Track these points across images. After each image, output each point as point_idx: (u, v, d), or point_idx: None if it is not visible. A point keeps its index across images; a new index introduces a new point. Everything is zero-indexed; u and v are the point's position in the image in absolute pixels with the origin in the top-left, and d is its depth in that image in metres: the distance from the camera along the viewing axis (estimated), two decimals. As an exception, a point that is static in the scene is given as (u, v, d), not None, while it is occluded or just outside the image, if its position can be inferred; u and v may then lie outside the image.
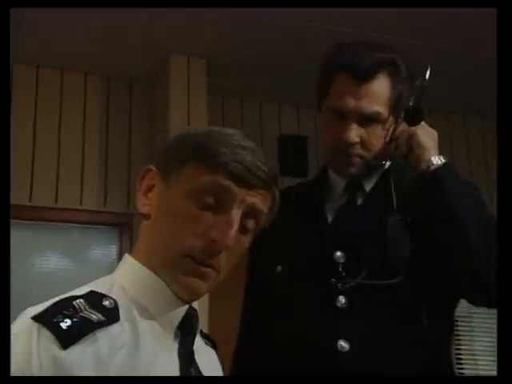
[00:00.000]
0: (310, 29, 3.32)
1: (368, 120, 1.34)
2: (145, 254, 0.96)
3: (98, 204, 3.68)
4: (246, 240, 0.97)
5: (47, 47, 3.54)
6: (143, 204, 0.99)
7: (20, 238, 3.51)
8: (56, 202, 3.60)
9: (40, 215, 3.56)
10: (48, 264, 3.61)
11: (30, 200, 3.55)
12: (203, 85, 3.68)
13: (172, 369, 0.91)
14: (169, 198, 0.96)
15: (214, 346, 1.10)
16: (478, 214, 1.25)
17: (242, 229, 0.94)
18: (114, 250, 3.71)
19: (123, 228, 3.70)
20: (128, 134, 3.85)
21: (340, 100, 1.35)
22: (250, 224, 0.96)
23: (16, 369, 0.80)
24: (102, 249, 3.73)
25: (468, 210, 1.24)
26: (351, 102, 1.33)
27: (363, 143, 1.35)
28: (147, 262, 0.95)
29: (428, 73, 1.35)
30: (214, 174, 0.92)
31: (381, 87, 1.34)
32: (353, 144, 1.34)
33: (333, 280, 1.29)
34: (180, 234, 0.92)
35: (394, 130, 1.37)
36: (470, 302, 1.31)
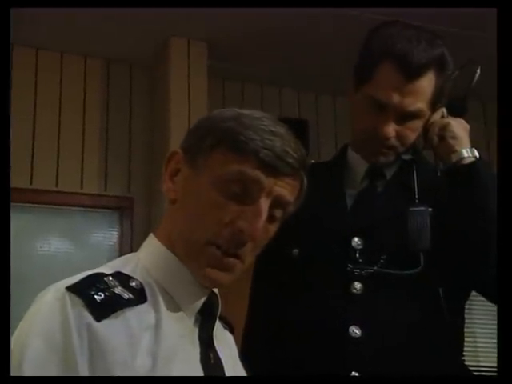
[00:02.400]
0: (310, 11, 3.29)
1: (408, 116, 1.32)
2: (169, 238, 0.95)
3: (98, 188, 3.68)
4: (273, 229, 0.95)
5: (47, 29, 3.52)
6: (168, 188, 0.97)
7: (21, 221, 3.51)
8: (57, 185, 3.60)
9: (41, 198, 3.56)
10: (49, 247, 3.62)
11: (30, 183, 3.55)
12: (204, 67, 3.66)
13: (192, 354, 0.91)
14: (195, 184, 0.93)
15: (231, 330, 1.09)
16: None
17: (270, 218, 0.92)
18: (114, 233, 3.71)
19: (124, 212, 3.70)
20: (128, 117, 3.83)
21: (384, 93, 1.30)
22: (278, 213, 0.94)
23: (53, 335, 0.80)
24: (103, 232, 3.74)
25: (494, 207, 1.20)
26: (395, 98, 1.29)
27: (399, 136, 1.33)
28: (171, 247, 0.94)
29: (478, 72, 1.33)
30: (242, 162, 0.90)
31: (427, 85, 1.30)
32: (389, 138, 1.32)
33: (349, 266, 1.28)
34: (206, 222, 0.91)
35: (427, 121, 1.35)
36: (485, 296, 1.29)
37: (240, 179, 0.90)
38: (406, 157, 1.37)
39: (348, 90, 1.42)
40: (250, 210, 0.90)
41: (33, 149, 3.59)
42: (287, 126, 0.94)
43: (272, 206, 0.92)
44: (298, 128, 4.71)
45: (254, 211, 0.90)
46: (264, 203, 0.90)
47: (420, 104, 1.31)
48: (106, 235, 3.73)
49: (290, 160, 0.91)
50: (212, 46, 3.66)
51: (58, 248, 3.64)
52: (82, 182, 3.65)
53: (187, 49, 3.66)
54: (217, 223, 0.90)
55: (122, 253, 3.48)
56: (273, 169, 0.90)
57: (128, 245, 3.58)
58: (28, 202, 3.53)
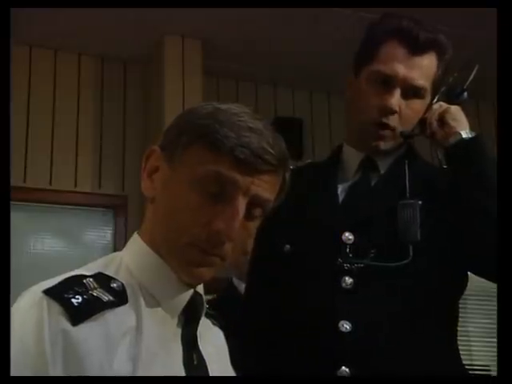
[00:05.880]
0: (306, 10, 3.29)
1: (412, 93, 1.33)
2: (150, 237, 0.94)
3: (92, 186, 3.67)
4: (253, 226, 0.94)
5: (40, 27, 3.50)
6: (147, 187, 0.95)
7: (14, 219, 3.50)
8: (50, 183, 3.59)
9: (35, 197, 3.55)
10: (43, 246, 3.61)
11: (24, 181, 3.54)
12: (198, 66, 3.66)
13: (175, 356, 0.90)
14: (173, 183, 0.92)
15: (221, 326, 1.08)
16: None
17: (249, 216, 0.91)
18: (108, 232, 3.71)
19: (118, 210, 3.70)
20: (122, 115, 3.83)
21: (389, 66, 1.32)
22: (257, 212, 0.92)
23: (27, 341, 0.80)
24: (97, 231, 3.73)
25: (495, 182, 1.20)
26: (401, 70, 1.31)
27: (401, 115, 1.33)
28: (154, 246, 0.94)
29: (475, 70, 1.35)
30: (217, 162, 0.88)
31: (430, 64, 1.33)
32: (393, 113, 1.32)
33: (339, 260, 1.27)
34: (184, 224, 0.89)
35: (426, 109, 1.35)
36: (483, 275, 1.28)
37: (216, 179, 0.88)
38: (406, 132, 1.36)
39: (347, 79, 1.41)
40: (226, 210, 0.89)
41: (26, 147, 3.58)
42: (266, 121, 0.93)
43: (250, 205, 0.90)
44: (293, 127, 4.72)
45: (230, 211, 0.88)
46: (241, 203, 0.89)
47: (424, 81, 1.32)
48: (100, 233, 3.73)
49: (267, 157, 0.89)
50: (206, 44, 3.65)
51: (52, 246, 3.63)
52: (75, 180, 3.64)
53: (181, 47, 3.66)
54: (194, 224, 0.89)
55: (115, 251, 3.46)
56: (249, 167, 0.88)
57: (122, 243, 3.57)
58: (22, 201, 3.51)
